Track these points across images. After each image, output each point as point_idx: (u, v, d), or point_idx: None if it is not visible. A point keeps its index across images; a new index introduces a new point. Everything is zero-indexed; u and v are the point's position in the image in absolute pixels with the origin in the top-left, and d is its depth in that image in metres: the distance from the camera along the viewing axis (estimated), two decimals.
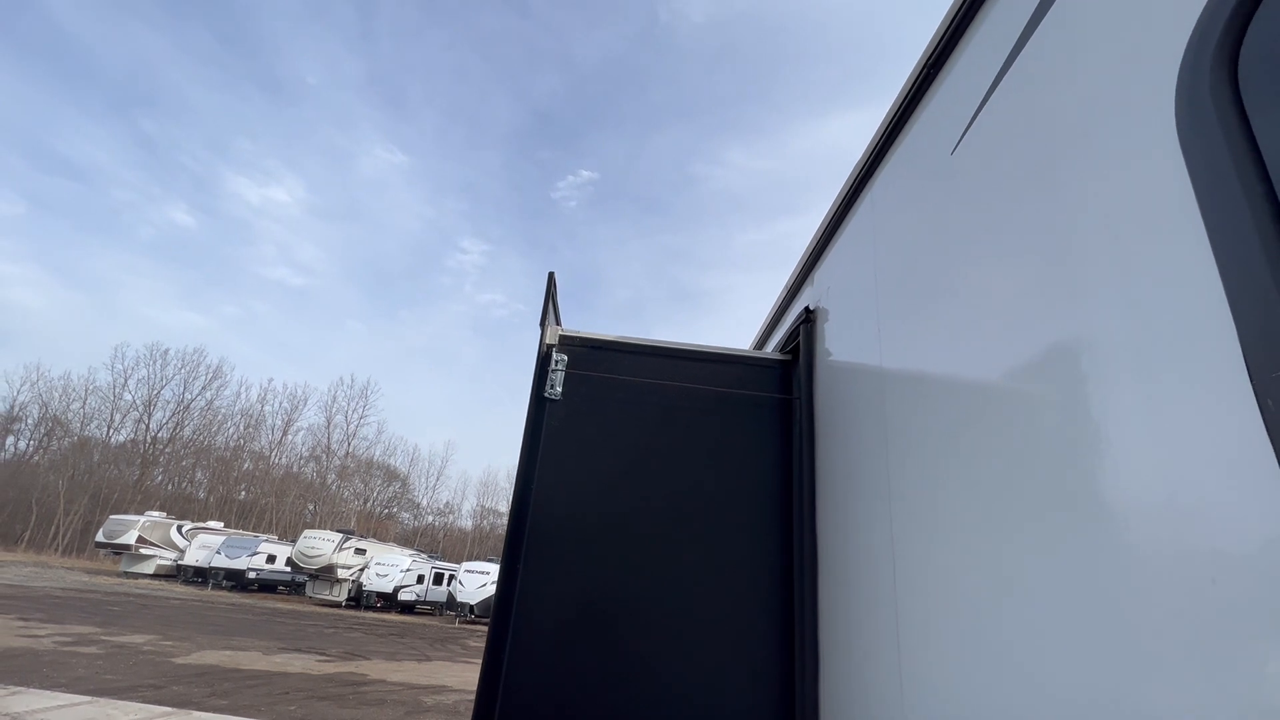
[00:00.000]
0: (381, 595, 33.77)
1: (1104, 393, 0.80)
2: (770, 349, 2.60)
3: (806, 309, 2.07)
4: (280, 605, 30.46)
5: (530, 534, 1.79)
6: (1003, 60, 1.10)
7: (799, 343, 2.05)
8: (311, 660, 15.90)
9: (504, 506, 76.22)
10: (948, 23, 1.26)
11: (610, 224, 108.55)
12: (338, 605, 33.42)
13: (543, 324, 1.96)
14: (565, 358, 1.99)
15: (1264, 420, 0.58)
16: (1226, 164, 0.64)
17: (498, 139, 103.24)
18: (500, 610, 1.71)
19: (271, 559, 36.21)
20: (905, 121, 1.48)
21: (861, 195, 1.74)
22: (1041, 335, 0.93)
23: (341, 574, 33.40)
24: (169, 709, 9.59)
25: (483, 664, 1.66)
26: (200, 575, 36.13)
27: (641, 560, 1.84)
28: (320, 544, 32.83)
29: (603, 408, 1.99)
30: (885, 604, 1.33)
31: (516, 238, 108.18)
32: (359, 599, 33.92)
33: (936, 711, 1.09)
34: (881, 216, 1.60)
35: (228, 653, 15.70)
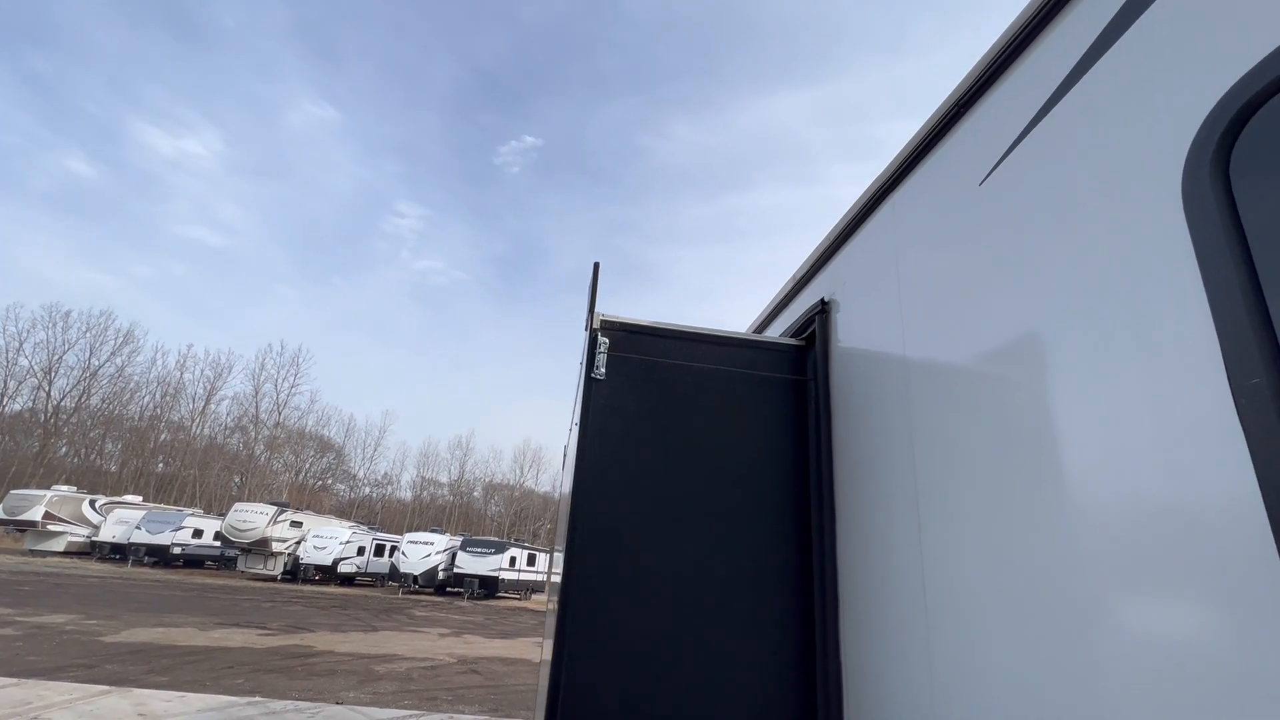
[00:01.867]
0: (320, 568, 32.97)
1: (1112, 401, 1.09)
2: (775, 332, 2.87)
3: (822, 300, 2.34)
4: (210, 581, 29.26)
5: (581, 506, 2.01)
6: (1037, 109, 1.36)
7: (814, 330, 2.32)
8: (252, 634, 15.54)
9: (444, 478, 75.14)
10: (992, 57, 1.51)
11: (555, 193, 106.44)
12: (273, 579, 32.42)
13: (590, 310, 2.13)
14: (607, 341, 2.18)
15: (1239, 417, 0.86)
16: (1220, 235, 0.91)
17: (437, 99, 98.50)
18: (566, 573, 1.93)
19: (198, 533, 34.54)
20: (936, 142, 1.73)
21: (883, 203, 2.00)
22: (1059, 355, 1.22)
23: (276, 547, 32.32)
24: (106, 687, 9.27)
25: (553, 640, 1.88)
26: (118, 552, 34.08)
27: (680, 528, 2.09)
28: (253, 517, 31.57)
29: (641, 387, 2.20)
30: (912, 601, 1.62)
31: (457, 203, 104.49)
32: (295, 572, 32.99)
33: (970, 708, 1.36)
34: (904, 225, 1.87)
35: (160, 630, 15.11)
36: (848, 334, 2.18)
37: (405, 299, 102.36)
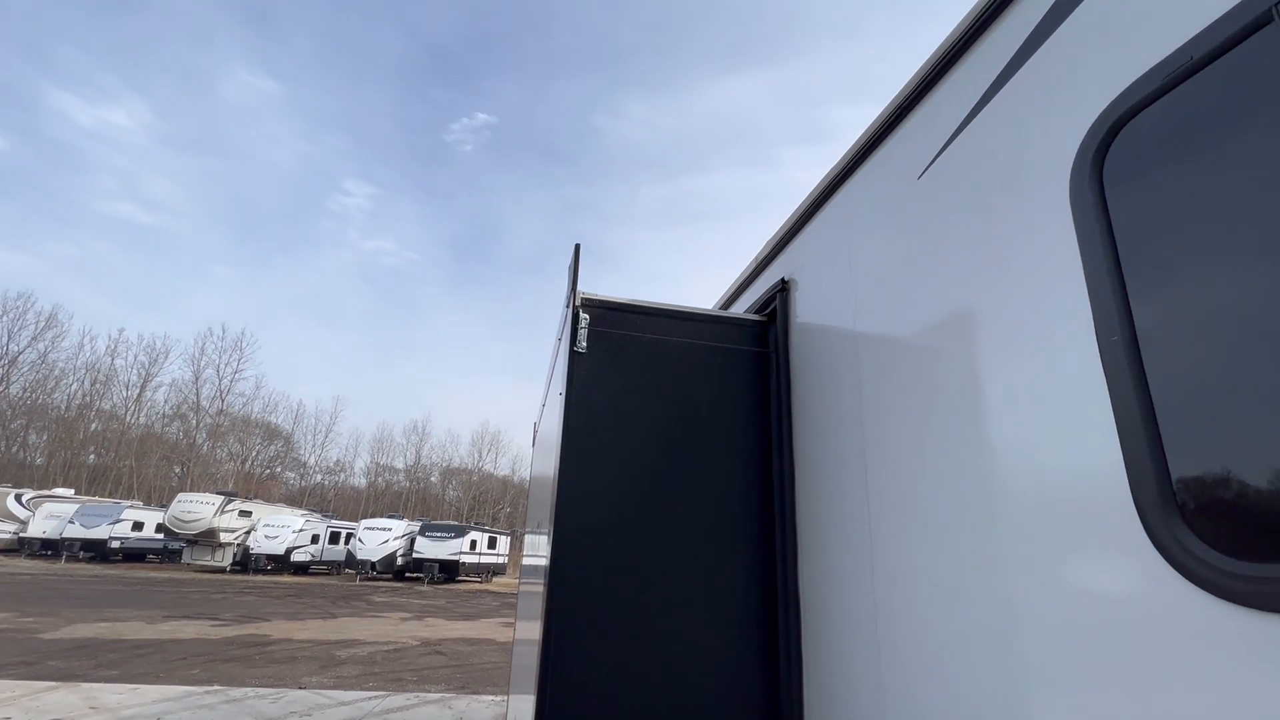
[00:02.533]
0: (272, 558, 32.13)
1: (1017, 367, 1.34)
2: (740, 308, 3.11)
3: (783, 279, 2.57)
4: (154, 574, 28.15)
5: (568, 469, 2.20)
6: (966, 114, 1.59)
7: (775, 307, 2.56)
8: (205, 625, 15.16)
9: (400, 463, 73.64)
10: (929, 67, 1.73)
11: (510, 172, 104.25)
12: (222, 571, 31.41)
13: (572, 288, 2.30)
14: (588, 317, 2.36)
15: (1103, 363, 1.12)
16: (1094, 227, 1.16)
17: (384, 72, 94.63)
18: (558, 520, 2.12)
19: (139, 526, 33.07)
20: (883, 139, 1.97)
21: (837, 192, 2.23)
22: (978, 330, 1.47)
23: (225, 538, 31.29)
24: (53, 683, 8.99)
25: (544, 607, 2.07)
26: (49, 547, 32.32)
27: (656, 488, 2.31)
28: (199, 507, 30.43)
29: (619, 360, 2.39)
30: (859, 548, 1.87)
31: (407, 182, 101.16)
32: (245, 563, 32.04)
33: (908, 645, 1.61)
34: (854, 213, 2.11)
35: (104, 624, 14.56)
36: (805, 310, 2.42)
37: (355, 280, 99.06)
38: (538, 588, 2.61)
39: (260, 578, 29.80)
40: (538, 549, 3.11)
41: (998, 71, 1.49)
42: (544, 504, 2.93)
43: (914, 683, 1.57)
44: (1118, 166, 1.15)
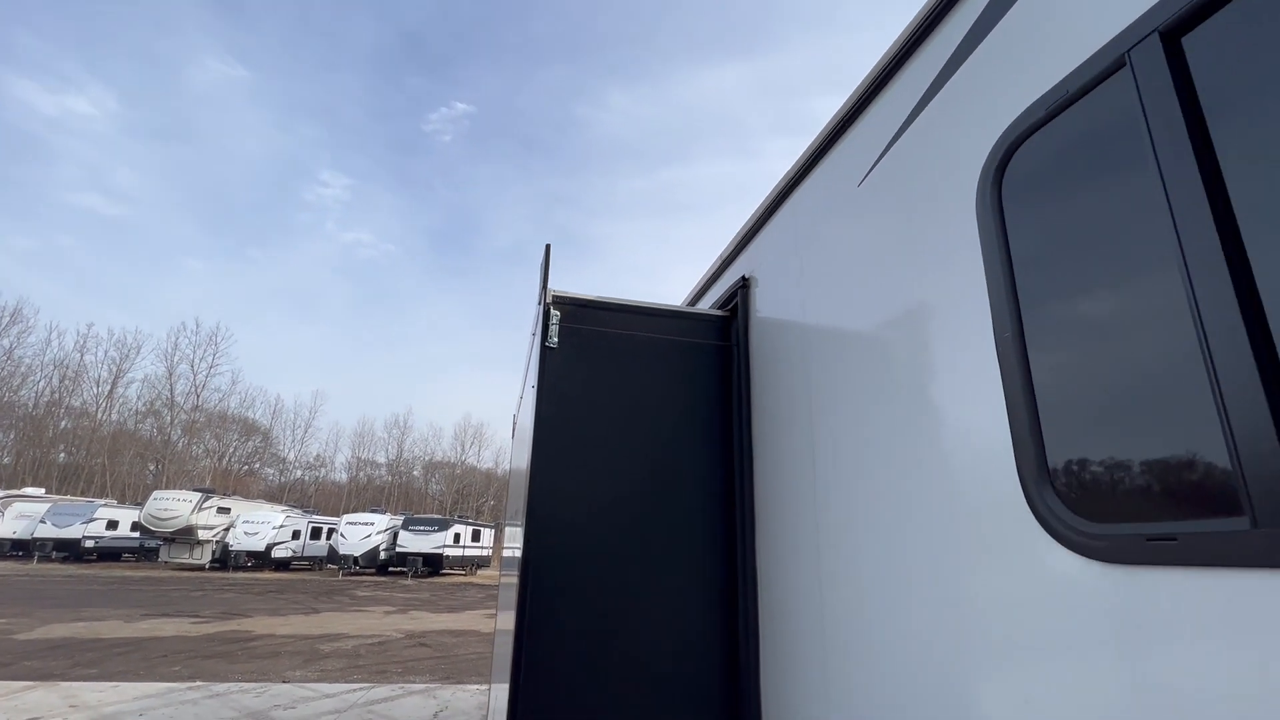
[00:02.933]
0: (252, 554, 31.80)
1: (937, 356, 1.50)
2: (705, 304, 3.26)
3: (743, 277, 2.73)
4: (131, 573, 27.74)
5: (539, 458, 2.34)
6: (896, 130, 1.75)
7: (736, 303, 2.71)
8: (185, 623, 15.05)
9: (382, 458, 73.04)
10: (865, 86, 1.89)
11: (490, 163, 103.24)
12: (200, 568, 31.04)
13: (544, 286, 2.43)
14: (559, 314, 2.49)
15: (997, 355, 1.28)
16: (993, 233, 1.32)
17: (358, 59, 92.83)
18: (528, 520, 2.26)
19: (113, 525, 32.49)
20: (828, 149, 2.12)
21: (790, 197, 2.39)
22: (905, 324, 1.63)
23: (203, 535, 30.89)
24: (30, 682, 8.93)
25: (519, 580, 2.21)
26: (20, 548, 31.63)
27: (625, 475, 2.46)
28: (176, 505, 29.97)
29: (589, 354, 2.52)
30: (808, 525, 2.04)
31: (384, 172, 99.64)
32: (225, 560, 31.69)
33: (850, 607, 1.77)
34: (804, 217, 2.26)
35: (81, 624, 14.39)
36: (764, 306, 2.58)
37: (332, 273, 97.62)
38: (511, 575, 2.75)
39: (240, 574, 29.52)
40: (516, 540, 3.25)
41: (921, 92, 1.64)
42: (522, 495, 3.06)
43: (849, 636, 1.75)
44: (1014, 182, 1.31)
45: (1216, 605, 0.86)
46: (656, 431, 2.54)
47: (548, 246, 2.42)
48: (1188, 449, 0.93)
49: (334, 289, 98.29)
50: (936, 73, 1.59)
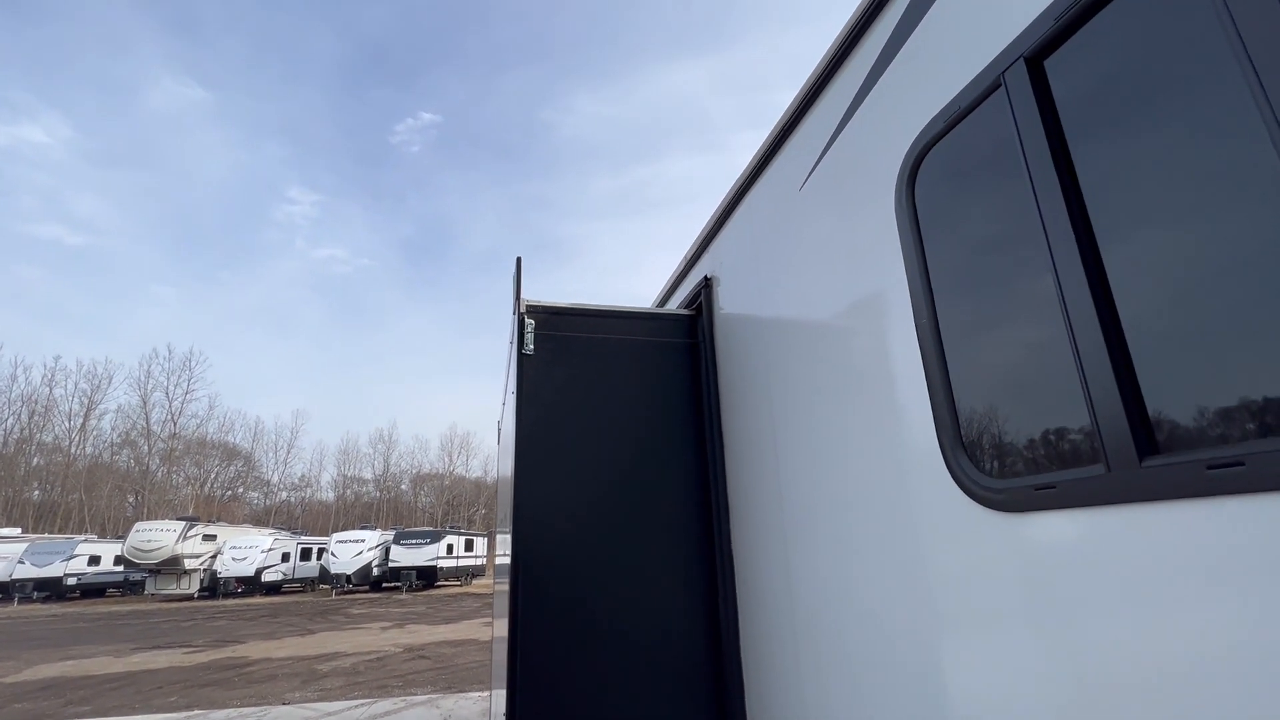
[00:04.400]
0: (242, 580, 31.34)
1: (867, 343, 1.68)
2: (674, 304, 3.42)
3: (706, 277, 2.89)
4: (117, 608, 27.19)
5: (523, 460, 2.48)
6: (829, 135, 1.92)
7: (701, 301, 2.87)
8: (178, 654, 14.86)
9: (369, 473, 72.26)
10: (801, 96, 2.05)
11: (460, 171, 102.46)
12: (189, 598, 30.52)
13: (517, 297, 2.56)
14: (533, 322, 2.62)
15: (917, 339, 1.45)
16: (909, 227, 1.49)
17: (320, 74, 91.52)
18: (517, 511, 2.40)
19: (95, 560, 31.79)
20: (774, 155, 2.29)
21: (744, 199, 2.55)
22: (845, 313, 1.81)
23: (190, 564, 30.37)
24: None
25: (510, 580, 2.34)
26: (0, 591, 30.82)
27: (605, 471, 2.60)
28: (159, 535, 29.43)
29: (564, 359, 2.66)
30: (773, 512, 2.19)
31: (353, 186, 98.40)
32: (214, 588, 31.19)
33: (812, 588, 1.93)
34: (757, 219, 2.43)
35: (70, 663, 14.14)
36: (726, 304, 2.74)
37: (306, 291, 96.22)
38: (504, 581, 2.87)
39: (231, 601, 29.09)
40: (506, 546, 3.38)
41: (848, 102, 1.81)
42: (508, 501, 3.19)
43: (814, 623, 1.92)
44: (924, 187, 1.48)
45: (1089, 538, 1.04)
46: (633, 430, 2.69)
47: (518, 259, 2.55)
48: (1063, 413, 1.10)
49: (309, 307, 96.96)
50: (860, 83, 1.76)
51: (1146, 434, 0.95)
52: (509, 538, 2.41)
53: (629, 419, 2.69)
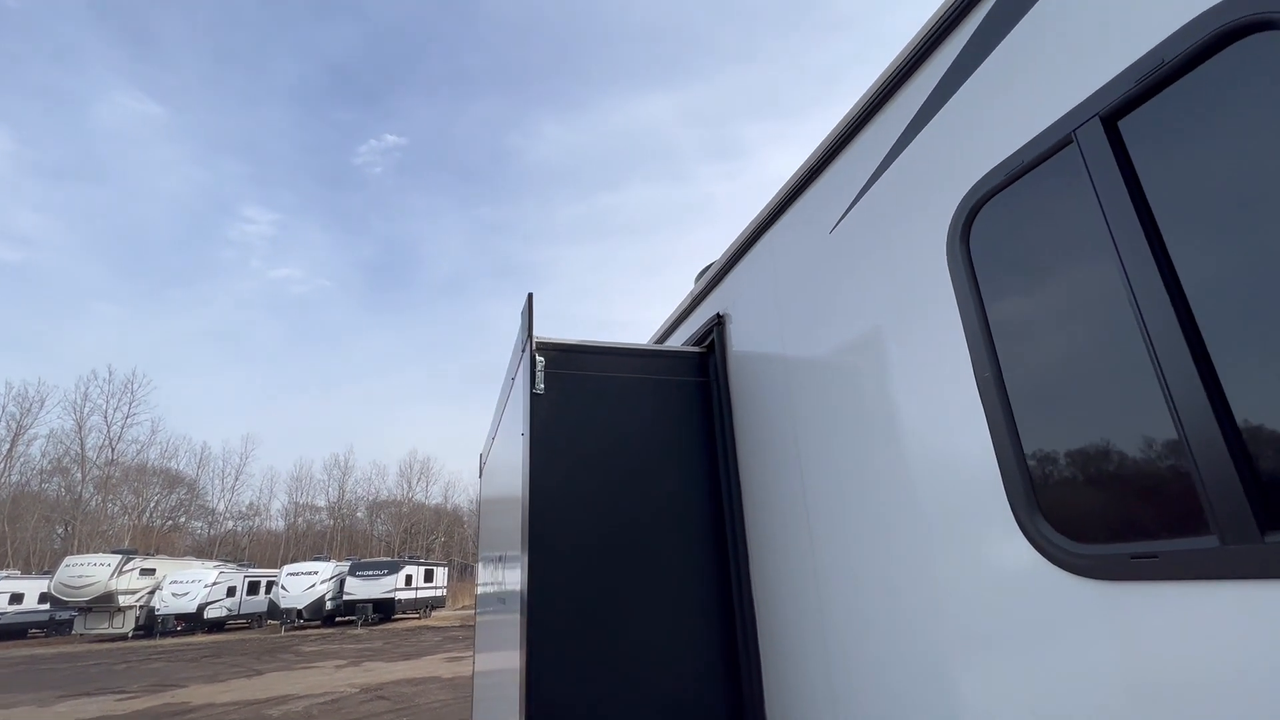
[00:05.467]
0: (182, 617, 29.42)
1: (916, 390, 1.64)
2: (678, 339, 3.36)
3: (718, 314, 2.85)
4: (40, 650, 25.10)
5: (536, 502, 2.36)
6: (866, 179, 1.91)
7: (713, 339, 2.82)
8: (109, 701, 13.75)
9: (322, 501, 69.44)
10: (835, 135, 2.04)
11: (424, 194, 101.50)
12: (123, 637, 28.44)
13: (529, 334, 2.46)
14: (543, 360, 2.52)
15: (979, 393, 1.42)
16: (965, 281, 1.47)
17: (282, 93, 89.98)
18: (530, 556, 2.27)
19: (17, 598, 29.43)
20: (797, 196, 2.28)
21: (761, 238, 2.53)
22: (885, 357, 1.77)
23: (124, 601, 28.37)
24: None
25: (521, 625, 2.21)
26: None
27: (617, 511, 2.50)
28: (92, 570, 27.47)
29: (575, 397, 2.57)
30: (804, 560, 2.12)
31: (314, 206, 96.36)
32: (150, 626, 29.17)
33: (854, 638, 1.85)
34: (779, 259, 2.40)
35: None
36: (740, 342, 2.70)
37: (261, 312, 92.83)
38: (507, 616, 2.72)
39: (169, 640, 27.21)
40: (500, 579, 3.21)
41: (887, 150, 1.81)
42: (505, 532, 3.05)
43: (854, 662, 1.84)
44: (981, 238, 1.47)
45: (1199, 614, 1.00)
46: (645, 467, 2.60)
47: (530, 295, 2.46)
48: (1160, 479, 1.07)
49: (263, 328, 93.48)
50: (901, 131, 1.76)
51: (1265, 506, 0.92)
52: (523, 575, 2.28)
53: (640, 458, 2.61)
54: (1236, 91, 1.01)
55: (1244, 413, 0.96)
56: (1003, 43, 1.44)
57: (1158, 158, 1.12)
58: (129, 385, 57.74)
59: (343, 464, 72.99)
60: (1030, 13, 1.37)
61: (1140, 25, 1.13)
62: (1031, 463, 1.29)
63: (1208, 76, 1.05)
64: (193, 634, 29.69)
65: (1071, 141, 1.24)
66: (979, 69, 1.50)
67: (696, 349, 2.94)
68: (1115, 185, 1.15)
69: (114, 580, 27.77)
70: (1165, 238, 1.09)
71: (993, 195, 1.44)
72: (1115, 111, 1.17)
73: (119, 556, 28.78)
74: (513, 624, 2.43)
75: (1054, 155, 1.28)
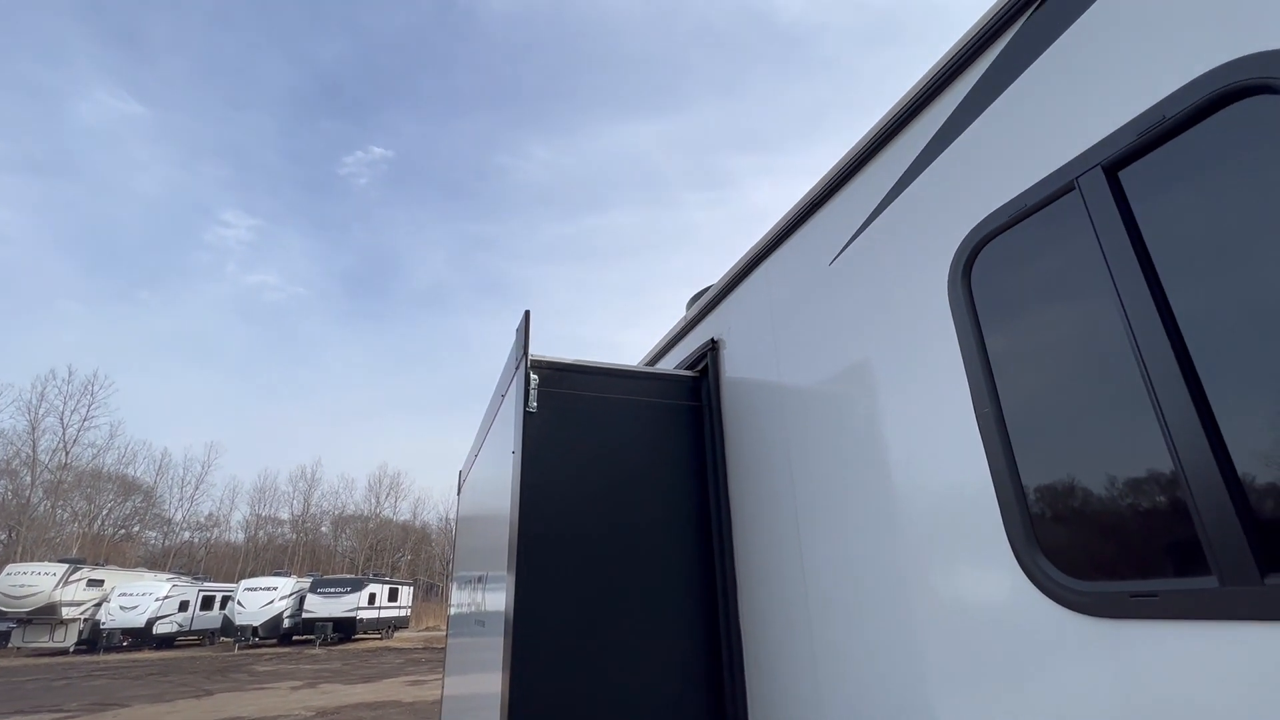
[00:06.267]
0: (129, 631, 28.05)
1: (912, 421, 1.67)
2: (669, 363, 3.37)
3: (712, 339, 2.86)
4: None
5: (525, 517, 2.32)
6: (868, 215, 1.95)
7: (706, 364, 2.83)
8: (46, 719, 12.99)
9: (285, 514, 67.37)
10: (839, 170, 2.09)
11: (408, 207, 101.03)
12: (63, 652, 26.99)
13: (524, 352, 2.44)
14: (538, 378, 2.50)
15: (979, 429, 1.45)
16: (965, 318, 1.51)
17: (270, 100, 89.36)
18: (517, 577, 2.22)
19: None
20: (797, 227, 2.32)
21: (758, 268, 2.56)
22: (881, 388, 1.80)
23: (68, 613, 27.00)
24: None
25: (505, 639, 2.16)
26: None
27: (605, 533, 2.47)
28: (35, 580, 26.15)
29: (568, 417, 2.54)
30: (796, 591, 2.11)
31: (294, 214, 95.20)
32: (94, 641, 27.75)
33: (848, 670, 1.85)
34: (776, 288, 2.44)
35: None
36: (734, 368, 2.72)
37: (233, 317, 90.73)
38: (486, 638, 2.65)
39: (114, 656, 25.89)
40: (479, 599, 3.13)
41: (888, 188, 1.86)
42: (486, 552, 2.98)
43: (847, 696, 1.83)
44: (982, 277, 1.51)
45: (1198, 654, 1.01)
46: (635, 488, 2.58)
47: (527, 313, 2.45)
48: (1159, 519, 1.10)
49: (235, 334, 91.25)
50: (904, 170, 1.81)
51: (1265, 548, 0.94)
52: (509, 596, 2.23)
53: (631, 479, 2.59)
54: (1234, 149, 1.07)
55: (1242, 455, 0.99)
56: (1008, 89, 1.50)
57: (1157, 207, 1.17)
58: (89, 386, 55.70)
59: (309, 476, 71.07)
60: (1036, 62, 1.43)
61: (1143, 81, 1.19)
62: (1031, 499, 1.31)
63: (1207, 134, 1.10)
64: (140, 650, 28.29)
65: (1074, 188, 1.29)
66: (983, 113, 1.56)
67: (690, 373, 2.95)
68: (1116, 231, 1.20)
69: (58, 591, 26.44)
70: (1164, 284, 1.13)
71: (995, 235, 1.48)
72: (1117, 162, 1.22)
73: (65, 566, 27.46)
74: (494, 646, 2.37)
75: (1057, 200, 1.33)
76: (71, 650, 27.29)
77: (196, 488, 63.18)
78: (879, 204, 1.89)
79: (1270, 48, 1.01)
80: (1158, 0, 1.20)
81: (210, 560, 59.70)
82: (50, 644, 27.01)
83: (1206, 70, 1.08)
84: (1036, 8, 1.45)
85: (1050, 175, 1.35)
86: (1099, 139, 1.26)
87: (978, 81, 1.58)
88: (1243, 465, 0.99)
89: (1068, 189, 1.30)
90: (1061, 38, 1.38)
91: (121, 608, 28.03)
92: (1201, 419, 1.03)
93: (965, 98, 1.61)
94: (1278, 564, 0.93)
